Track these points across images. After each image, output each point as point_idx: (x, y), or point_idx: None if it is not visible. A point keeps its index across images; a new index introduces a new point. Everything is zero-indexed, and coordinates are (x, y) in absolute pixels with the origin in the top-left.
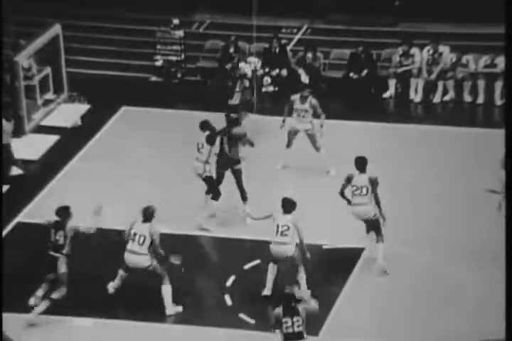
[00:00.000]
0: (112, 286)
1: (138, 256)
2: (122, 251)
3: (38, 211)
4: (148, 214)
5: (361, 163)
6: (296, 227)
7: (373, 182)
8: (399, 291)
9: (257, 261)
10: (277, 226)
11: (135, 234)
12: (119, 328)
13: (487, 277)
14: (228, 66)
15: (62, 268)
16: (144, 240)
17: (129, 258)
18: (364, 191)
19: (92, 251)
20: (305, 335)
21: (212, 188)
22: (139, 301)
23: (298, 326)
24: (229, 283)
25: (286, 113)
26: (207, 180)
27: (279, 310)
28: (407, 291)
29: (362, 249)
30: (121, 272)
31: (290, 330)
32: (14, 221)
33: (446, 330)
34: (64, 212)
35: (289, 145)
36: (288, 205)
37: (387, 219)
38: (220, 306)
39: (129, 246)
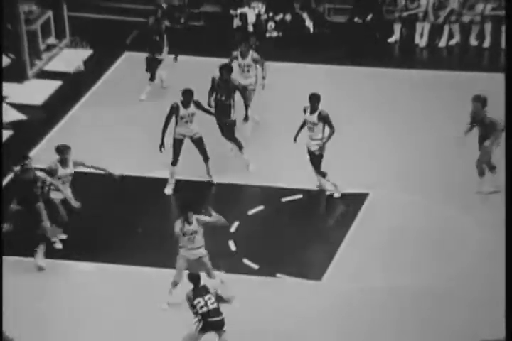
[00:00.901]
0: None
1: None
2: (123, 195)
3: (42, 156)
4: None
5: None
6: None
7: (324, 118)
8: (402, 237)
9: (261, 207)
10: None
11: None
12: (121, 273)
13: (486, 220)
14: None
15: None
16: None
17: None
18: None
19: (94, 195)
20: (221, 311)
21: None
22: (141, 245)
23: (212, 303)
24: (233, 228)
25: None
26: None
27: (189, 293)
28: (410, 236)
29: (366, 195)
30: None
31: (205, 309)
32: (18, 166)
33: (446, 329)
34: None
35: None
36: None
37: (391, 164)
38: (224, 251)
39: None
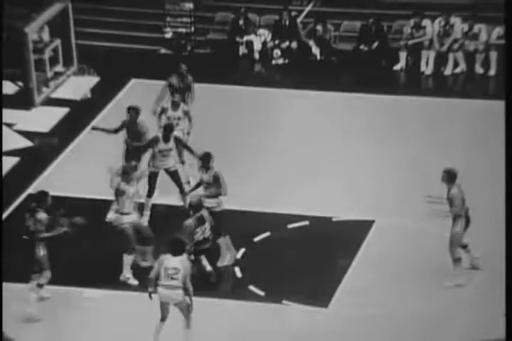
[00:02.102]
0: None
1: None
2: None
3: (49, 183)
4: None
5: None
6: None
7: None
8: (408, 264)
9: (267, 234)
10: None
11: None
12: (129, 299)
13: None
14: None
15: (41, 251)
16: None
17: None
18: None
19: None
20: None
21: None
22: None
23: (206, 232)
24: (239, 255)
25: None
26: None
27: (190, 222)
28: (416, 264)
29: (372, 222)
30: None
31: (200, 238)
32: (25, 193)
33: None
34: (42, 197)
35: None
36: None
37: (398, 190)
38: (230, 278)
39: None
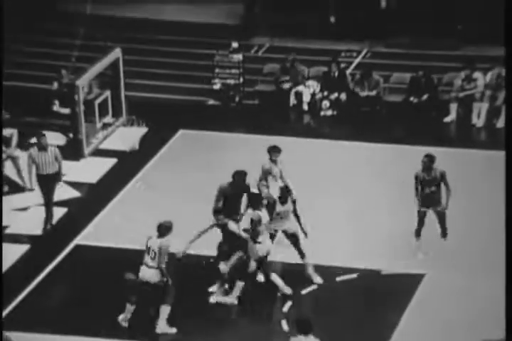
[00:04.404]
0: (123, 320)
1: (149, 269)
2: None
3: (96, 234)
4: (162, 230)
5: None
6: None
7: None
8: (459, 320)
9: (315, 286)
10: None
11: (149, 248)
12: None
13: None
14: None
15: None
16: (155, 255)
17: (143, 272)
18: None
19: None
20: None
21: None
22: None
23: None
24: (286, 308)
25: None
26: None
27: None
28: (468, 319)
29: (422, 275)
30: (128, 306)
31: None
32: (72, 243)
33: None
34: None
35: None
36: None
37: (448, 244)
38: (277, 331)
39: (144, 259)
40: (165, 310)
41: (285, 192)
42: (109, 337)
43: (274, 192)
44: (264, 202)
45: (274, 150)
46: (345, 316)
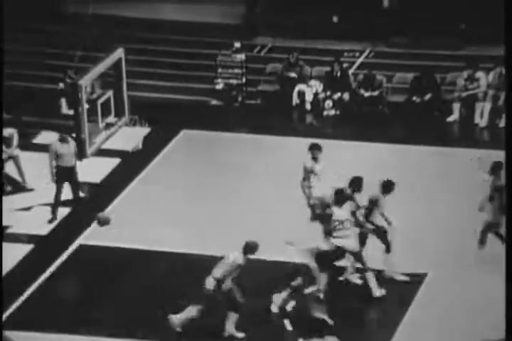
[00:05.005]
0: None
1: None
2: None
3: (100, 233)
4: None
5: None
6: None
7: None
8: (462, 318)
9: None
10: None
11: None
12: None
13: None
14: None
15: None
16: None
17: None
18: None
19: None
20: None
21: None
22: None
23: None
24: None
25: None
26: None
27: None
28: (472, 317)
29: (425, 274)
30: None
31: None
32: (76, 243)
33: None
34: None
35: None
36: None
37: (451, 242)
38: (280, 331)
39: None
40: (233, 316)
41: (340, 194)
42: (112, 337)
43: (318, 191)
44: (311, 202)
45: (315, 148)
46: (346, 316)
